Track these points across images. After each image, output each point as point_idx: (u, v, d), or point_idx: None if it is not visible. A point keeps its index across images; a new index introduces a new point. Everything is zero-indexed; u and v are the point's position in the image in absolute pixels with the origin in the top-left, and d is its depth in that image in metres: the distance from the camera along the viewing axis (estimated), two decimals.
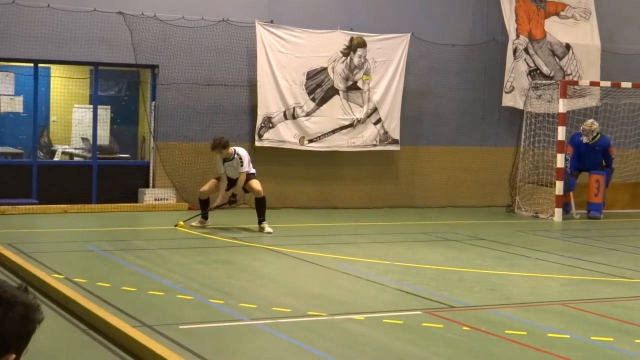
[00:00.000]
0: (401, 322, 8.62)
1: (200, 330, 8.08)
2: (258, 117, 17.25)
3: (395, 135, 18.15)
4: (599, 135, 18.01)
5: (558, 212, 17.34)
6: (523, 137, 18.57)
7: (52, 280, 9.54)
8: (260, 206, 14.49)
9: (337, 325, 8.48)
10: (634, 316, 9.27)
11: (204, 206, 14.75)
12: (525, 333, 8.33)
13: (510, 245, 13.88)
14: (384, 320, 8.64)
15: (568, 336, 8.29)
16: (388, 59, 18.05)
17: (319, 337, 7.96)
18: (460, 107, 18.98)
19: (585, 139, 17.86)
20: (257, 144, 17.32)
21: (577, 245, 14.45)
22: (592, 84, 18.57)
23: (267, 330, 8.18)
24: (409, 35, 18.04)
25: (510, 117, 19.02)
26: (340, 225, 14.89)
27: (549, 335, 8.32)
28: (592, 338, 8.24)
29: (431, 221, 16.60)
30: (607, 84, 18.54)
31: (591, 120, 18.14)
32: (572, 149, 17.83)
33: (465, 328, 8.46)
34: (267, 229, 14.31)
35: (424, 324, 8.54)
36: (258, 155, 17.37)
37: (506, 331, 8.35)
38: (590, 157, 17.95)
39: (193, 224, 14.58)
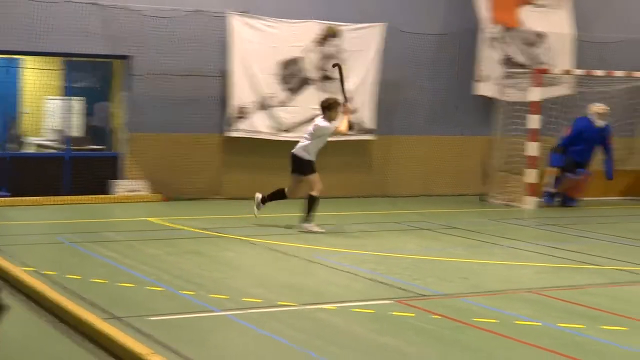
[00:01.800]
0: (373, 311, 8.63)
1: (170, 322, 8.06)
2: (231, 107, 17.20)
3: (370, 124, 18.15)
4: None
5: (531, 200, 17.40)
6: (497, 125, 18.60)
7: (21, 272, 9.48)
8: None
9: (308, 315, 8.47)
10: (603, 303, 9.31)
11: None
12: (495, 321, 8.36)
13: (484, 233, 13.92)
14: (356, 310, 8.64)
15: (538, 323, 8.32)
16: (363, 49, 18.03)
17: (289, 328, 7.95)
18: (435, 96, 18.99)
19: (600, 123, 17.72)
20: (230, 134, 17.28)
21: (550, 233, 14.50)
22: (566, 72, 18.62)
23: (237, 321, 8.16)
24: (383, 24, 18.02)
25: (485, 106, 19.05)
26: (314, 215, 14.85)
27: (518, 322, 8.35)
28: (561, 325, 8.27)
29: (405, 210, 16.62)
30: (581, 72, 18.59)
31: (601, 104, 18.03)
32: (572, 133, 17.72)
33: (435, 316, 8.48)
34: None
35: (395, 313, 8.55)
36: (231, 145, 17.35)
37: (477, 319, 8.37)
38: (598, 142, 17.85)
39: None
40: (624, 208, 18.23)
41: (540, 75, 17.84)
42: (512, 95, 18.66)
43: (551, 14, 19.49)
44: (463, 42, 19.01)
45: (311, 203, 13.64)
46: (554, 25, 19.42)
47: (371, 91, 18.10)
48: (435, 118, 19.02)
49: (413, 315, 8.50)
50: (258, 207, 14.27)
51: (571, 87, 19.43)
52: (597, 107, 17.79)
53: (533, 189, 17.47)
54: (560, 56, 19.43)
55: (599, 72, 18.51)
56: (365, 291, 9.75)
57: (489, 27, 18.80)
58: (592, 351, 7.54)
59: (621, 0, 20.66)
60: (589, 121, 17.71)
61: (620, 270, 11.24)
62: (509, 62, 18.99)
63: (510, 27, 19.06)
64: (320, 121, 13.75)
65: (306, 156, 13.69)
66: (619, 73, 18.60)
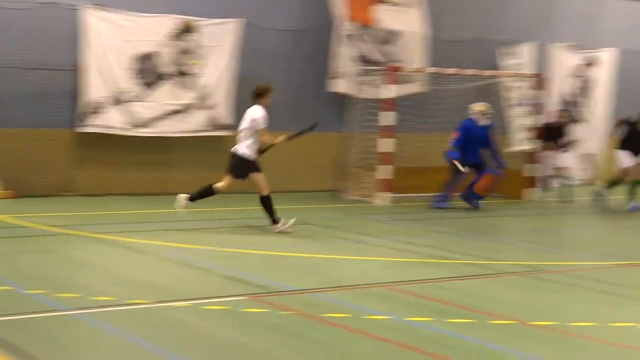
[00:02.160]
0: (225, 307, 8.62)
1: (18, 322, 7.86)
2: (83, 102, 16.88)
3: (227, 120, 18.11)
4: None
5: (385, 196, 17.68)
6: (352, 122, 18.83)
7: None
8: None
9: (160, 312, 8.40)
10: (452, 297, 9.55)
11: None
12: (346, 315, 8.47)
13: (337, 229, 14.08)
14: (208, 307, 8.61)
15: (388, 317, 8.47)
16: (219, 44, 17.99)
17: (141, 325, 7.87)
18: (291, 92, 19.08)
19: (483, 122, 17.35)
20: (81, 129, 16.96)
21: (402, 228, 14.77)
22: (418, 70, 19.00)
23: (88, 320, 8.03)
24: (240, 20, 18.00)
25: (339, 103, 19.27)
26: (168, 212, 14.72)
27: (369, 317, 8.48)
28: (411, 319, 8.44)
29: (258, 206, 16.59)
30: (433, 70, 19.00)
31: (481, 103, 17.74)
32: (460, 135, 17.28)
33: (288, 312, 8.53)
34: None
35: (247, 310, 8.56)
36: (85, 141, 17.03)
37: (328, 314, 8.46)
38: (483, 140, 17.46)
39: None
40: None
41: (394, 73, 18.15)
42: (367, 92, 18.94)
43: (404, 12, 19.85)
44: (319, 38, 19.17)
45: (268, 204, 13.53)
46: (407, 24, 19.79)
47: (228, 87, 18.07)
48: (292, 114, 19.08)
49: (266, 311, 8.53)
50: (185, 207, 13.84)
51: (424, 84, 19.84)
52: (478, 107, 17.52)
53: (386, 185, 17.76)
54: (413, 54, 19.81)
55: (451, 70, 18.95)
56: (218, 288, 9.73)
57: (344, 25, 19.01)
58: (440, 344, 7.72)
59: (469, 2, 21.19)
60: (473, 121, 17.39)
61: (470, 264, 11.55)
62: (363, 59, 19.25)
63: (365, 25, 19.32)
64: (256, 111, 13.44)
65: (250, 155, 13.49)
66: (469, 71, 19.08)
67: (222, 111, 18.06)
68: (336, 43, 19.05)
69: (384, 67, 18.71)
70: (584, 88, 22.71)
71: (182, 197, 13.73)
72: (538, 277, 10.84)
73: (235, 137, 18.06)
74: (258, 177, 13.54)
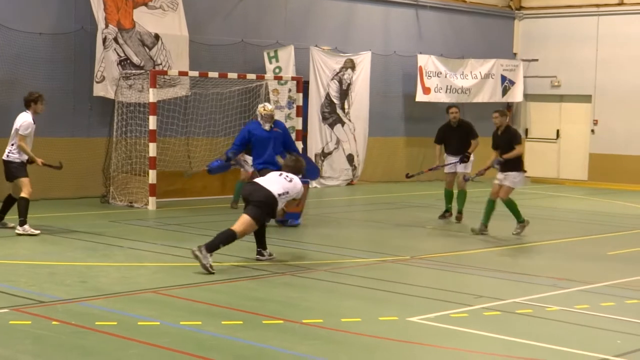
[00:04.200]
0: None
1: None
2: None
3: None
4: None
5: (152, 200, 17.50)
6: (115, 127, 18.53)
7: None
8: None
9: None
10: (221, 299, 9.59)
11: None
12: (115, 323, 8.34)
13: (104, 235, 13.80)
14: None
15: (158, 323, 8.40)
16: None
17: None
18: (50, 97, 18.41)
19: (267, 126, 15.16)
20: None
21: (171, 232, 14.66)
22: (181, 73, 18.92)
23: None
24: None
25: (102, 107, 18.89)
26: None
27: (139, 323, 8.38)
28: (181, 323, 8.41)
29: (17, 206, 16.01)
30: (195, 73, 18.96)
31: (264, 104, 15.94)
32: (238, 136, 15.54)
33: (54, 323, 8.30)
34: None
35: (10, 322, 8.27)
36: None
37: (97, 322, 8.31)
38: (268, 144, 15.19)
39: None
40: (240, 205, 18.74)
41: (156, 77, 17.99)
42: (130, 96, 18.68)
43: (165, 16, 19.71)
44: (78, 42, 18.71)
45: (24, 205, 13.65)
46: (168, 27, 19.66)
47: None
48: (52, 120, 18.52)
49: (30, 322, 8.26)
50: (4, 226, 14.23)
51: (187, 88, 19.78)
52: (261, 108, 15.51)
53: (151, 190, 17.56)
54: (175, 58, 19.71)
55: (213, 74, 18.99)
56: None
57: (104, 28, 18.66)
58: (210, 346, 7.73)
59: (230, 6, 21.32)
60: (258, 124, 15.41)
61: (238, 265, 11.61)
62: (125, 63, 18.97)
63: (125, 28, 19.05)
64: (20, 118, 13.92)
65: (18, 158, 13.86)
66: (231, 75, 19.19)
67: None
68: (97, 47, 18.65)
69: (146, 71, 18.51)
70: (344, 90, 23.34)
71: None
72: (306, 276, 11.04)
73: None
74: (23, 181, 13.80)
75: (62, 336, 7.90)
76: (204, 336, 8.03)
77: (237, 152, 15.37)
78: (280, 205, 11.60)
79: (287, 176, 11.88)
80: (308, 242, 13.98)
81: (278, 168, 15.36)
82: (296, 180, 11.89)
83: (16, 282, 10.17)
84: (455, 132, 16.67)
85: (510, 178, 14.81)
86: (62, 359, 7.30)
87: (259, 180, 11.91)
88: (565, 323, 8.99)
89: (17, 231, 13.66)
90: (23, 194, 13.71)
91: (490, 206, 14.89)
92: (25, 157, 13.90)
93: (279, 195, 11.52)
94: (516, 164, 14.84)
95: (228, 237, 11.19)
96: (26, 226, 13.66)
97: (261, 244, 12.02)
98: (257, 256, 12.01)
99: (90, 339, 7.86)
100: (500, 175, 14.96)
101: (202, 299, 9.50)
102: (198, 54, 20.17)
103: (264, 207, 11.44)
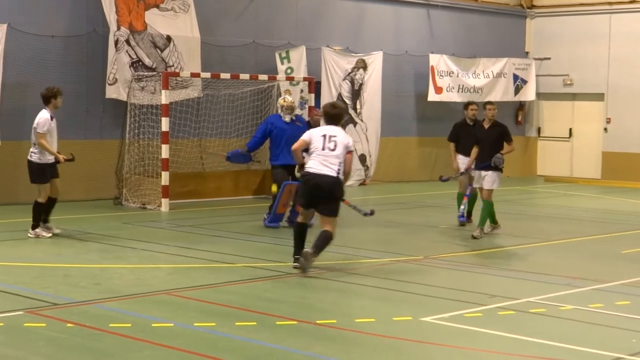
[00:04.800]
0: (1, 324, 8.30)
1: None
2: None
3: None
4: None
5: (165, 202, 17.52)
6: (128, 129, 18.56)
7: None
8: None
9: None
10: (235, 300, 9.60)
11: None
12: (130, 325, 8.35)
13: (117, 237, 13.83)
14: None
15: (172, 324, 8.41)
16: None
17: None
18: (63, 100, 18.44)
19: (288, 118, 15.27)
20: None
21: (184, 234, 14.67)
22: (193, 75, 18.94)
23: None
24: (4, 26, 17.35)
25: (115, 109, 18.93)
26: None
27: (153, 325, 8.39)
28: (195, 324, 8.42)
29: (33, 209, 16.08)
30: (207, 75, 18.99)
31: (284, 96, 16.40)
32: (258, 130, 15.60)
33: (69, 325, 8.32)
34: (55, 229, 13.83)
35: (25, 324, 8.29)
36: None
37: (111, 324, 8.32)
38: (292, 138, 14.03)
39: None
40: (254, 206, 18.80)
41: (168, 78, 18.02)
42: (142, 98, 18.71)
43: (177, 17, 19.74)
44: (91, 44, 18.76)
45: (36, 210, 13.61)
46: (179, 29, 19.68)
47: None
48: (65, 122, 18.55)
49: (44, 325, 8.28)
50: (46, 230, 13.84)
51: (199, 89, 19.81)
52: (280, 100, 15.84)
53: (164, 191, 17.58)
54: (187, 59, 19.73)
55: (225, 75, 19.01)
56: None
57: (116, 30, 18.69)
58: (224, 347, 7.74)
59: (241, 7, 21.32)
60: (279, 117, 15.47)
61: (251, 267, 11.62)
62: (137, 65, 19.01)
63: (137, 30, 19.08)
64: (39, 115, 13.67)
65: (39, 159, 13.63)
66: (243, 76, 19.20)
67: None
68: (110, 49, 18.69)
69: (158, 73, 18.54)
70: (356, 90, 23.34)
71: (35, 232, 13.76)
72: (320, 277, 11.03)
73: (2, 147, 17.52)
74: (40, 186, 13.66)
75: (76, 338, 7.92)
76: (218, 337, 8.04)
77: (257, 143, 15.57)
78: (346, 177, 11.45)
79: (330, 138, 11.24)
80: None
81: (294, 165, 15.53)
82: (340, 134, 11.34)
83: (30, 284, 10.20)
84: (470, 131, 15.43)
85: (489, 178, 14.21)
86: None
87: (312, 168, 11.24)
88: (579, 322, 8.97)
89: (28, 234, 13.67)
90: (38, 199, 13.63)
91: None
92: (48, 158, 13.65)
93: (338, 172, 11.22)
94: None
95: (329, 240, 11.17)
96: (38, 229, 13.66)
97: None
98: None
99: (104, 341, 7.87)
100: (475, 173, 14.42)
101: (215, 300, 9.51)
102: (210, 55, 20.19)
103: (335, 198, 11.26)
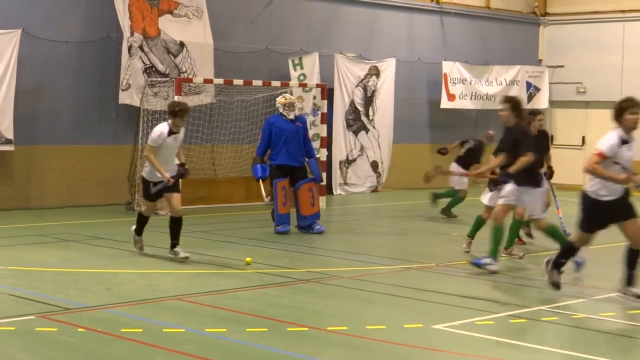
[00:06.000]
0: (12, 328, 8.32)
1: None
2: None
3: (9, 135, 17.44)
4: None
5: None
6: (141, 134, 18.58)
7: None
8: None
9: None
10: (246, 306, 9.59)
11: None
12: (141, 330, 8.36)
13: (129, 242, 13.73)
14: None
15: (183, 330, 8.41)
16: None
17: None
18: (77, 105, 18.61)
19: (292, 115, 15.16)
20: None
21: (196, 240, 14.65)
22: (206, 81, 18.98)
23: None
24: (18, 31, 17.41)
25: (128, 115, 18.97)
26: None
27: (164, 330, 8.40)
28: (206, 330, 8.42)
29: (49, 222, 16.16)
30: (220, 81, 19.03)
31: (284, 95, 16.16)
32: (262, 134, 15.38)
33: (80, 330, 8.33)
34: (182, 253, 12.27)
35: (37, 329, 8.30)
36: None
37: (122, 329, 8.33)
38: (294, 136, 15.06)
39: None
40: (265, 212, 18.78)
41: (181, 84, 18.05)
42: (155, 103, 18.74)
43: (190, 23, 19.77)
44: (104, 50, 18.80)
45: (143, 222, 12.76)
46: (193, 35, 19.71)
47: (8, 101, 17.37)
48: (79, 127, 18.66)
49: (56, 329, 8.30)
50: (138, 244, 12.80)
51: (212, 95, 19.84)
52: (280, 99, 15.57)
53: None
54: (200, 65, 19.76)
55: (238, 81, 19.04)
56: (4, 308, 9.35)
57: (129, 36, 18.74)
58: (235, 353, 7.74)
59: (254, 13, 21.35)
60: (280, 117, 15.32)
61: (262, 272, 11.62)
62: (150, 70, 19.05)
63: (150, 36, 19.12)
64: (160, 126, 12.20)
65: (147, 173, 12.39)
66: (256, 82, 19.22)
67: (3, 125, 17.34)
68: (123, 55, 18.74)
69: (171, 78, 18.58)
70: (368, 97, 23.34)
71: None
72: (331, 283, 11.03)
73: (17, 152, 17.58)
74: (147, 203, 12.87)
75: (87, 343, 7.93)
76: (229, 343, 8.04)
77: (266, 147, 15.28)
78: None
79: None
80: (333, 249, 13.94)
81: (301, 164, 15.43)
82: None
83: (42, 289, 10.22)
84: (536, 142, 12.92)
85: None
86: None
87: None
88: (591, 330, 8.94)
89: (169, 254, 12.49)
90: (141, 211, 12.99)
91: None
92: (153, 178, 12.23)
93: None
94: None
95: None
96: (176, 248, 12.38)
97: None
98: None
99: (115, 346, 7.88)
100: (494, 192, 12.80)
101: (227, 306, 9.51)
102: (223, 61, 20.22)
103: None
